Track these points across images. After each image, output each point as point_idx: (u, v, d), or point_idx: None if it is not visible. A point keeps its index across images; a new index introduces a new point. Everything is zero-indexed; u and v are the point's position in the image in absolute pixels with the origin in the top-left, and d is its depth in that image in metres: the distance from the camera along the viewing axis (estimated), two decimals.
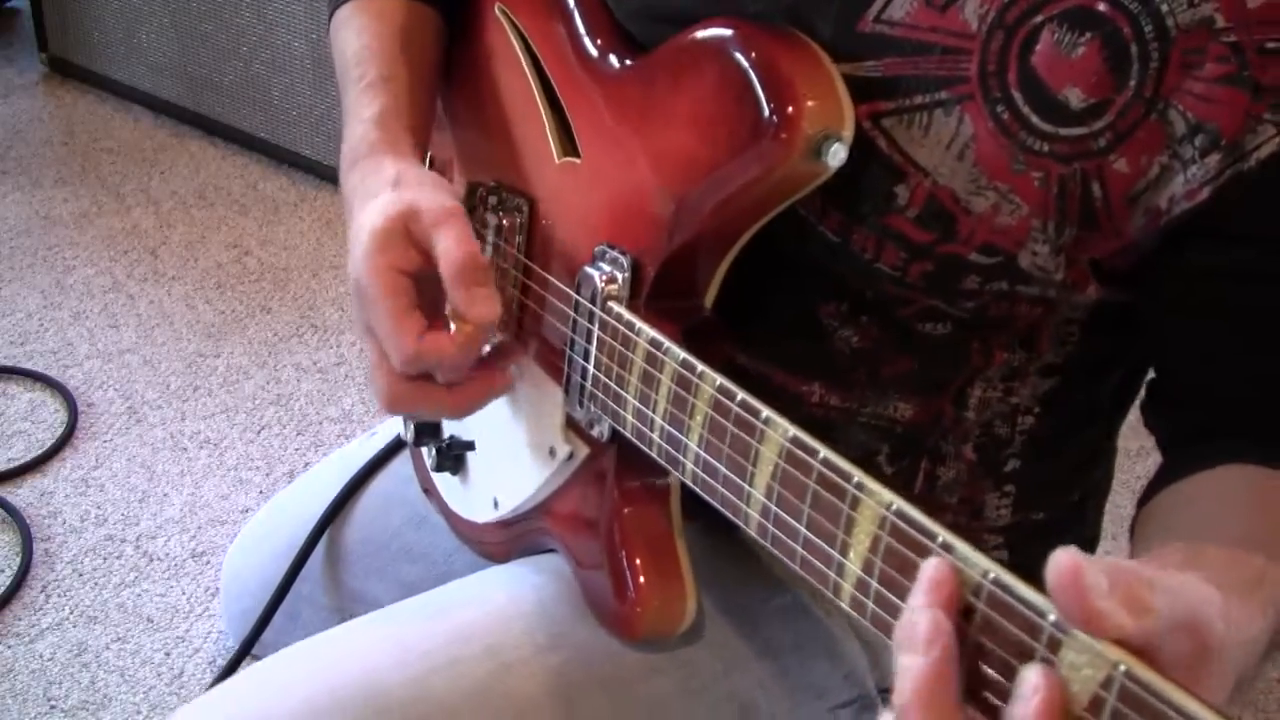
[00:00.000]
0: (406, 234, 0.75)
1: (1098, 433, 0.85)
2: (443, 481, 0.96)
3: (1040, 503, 0.83)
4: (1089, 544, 0.90)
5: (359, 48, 0.88)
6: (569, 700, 0.79)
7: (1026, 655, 0.46)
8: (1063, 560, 0.44)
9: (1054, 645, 0.46)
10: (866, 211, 0.71)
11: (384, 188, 0.78)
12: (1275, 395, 0.68)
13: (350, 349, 2.30)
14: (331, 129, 2.65)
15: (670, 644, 0.80)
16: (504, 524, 0.90)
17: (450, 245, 0.73)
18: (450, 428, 0.94)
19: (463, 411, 0.81)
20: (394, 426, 1.06)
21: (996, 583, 0.48)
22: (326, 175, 2.69)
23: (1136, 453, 2.43)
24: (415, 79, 0.87)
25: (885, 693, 0.85)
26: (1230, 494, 0.66)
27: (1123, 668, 0.43)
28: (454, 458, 0.92)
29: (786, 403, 0.61)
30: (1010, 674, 0.47)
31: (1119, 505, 2.16)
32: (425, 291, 0.76)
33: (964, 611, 0.49)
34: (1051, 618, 0.46)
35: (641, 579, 0.76)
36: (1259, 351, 0.68)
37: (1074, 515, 0.86)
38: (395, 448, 1.05)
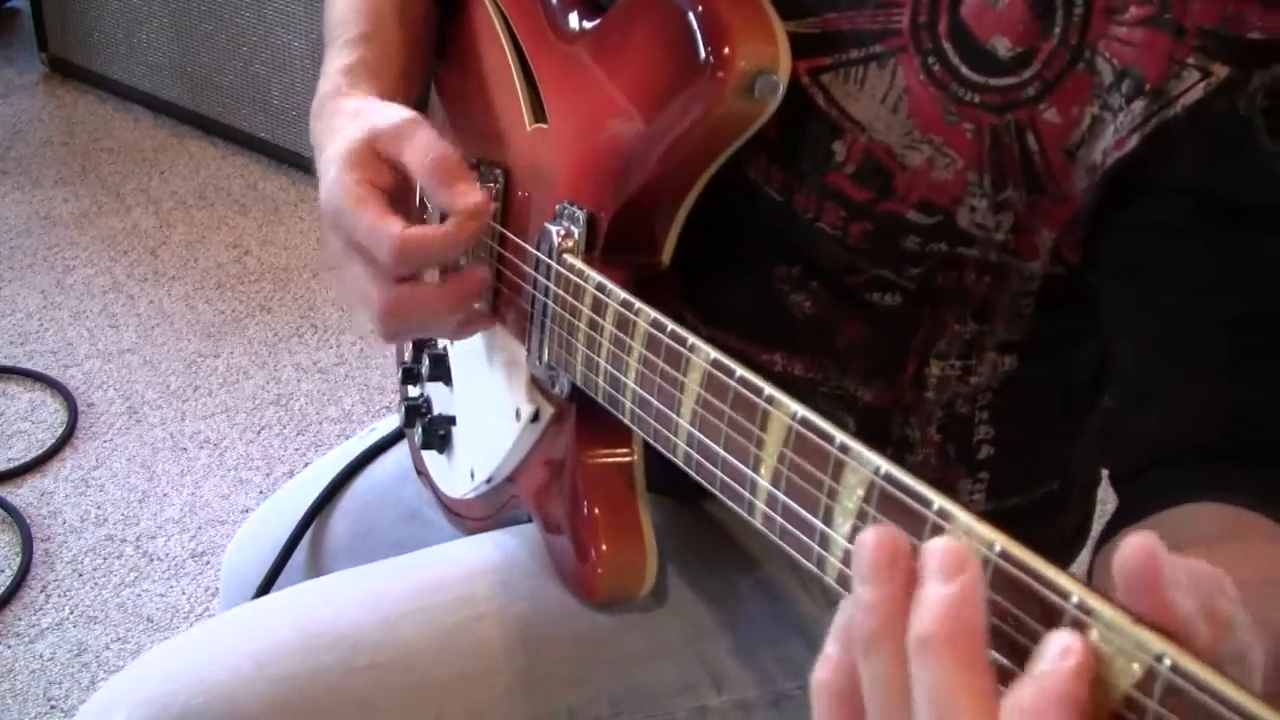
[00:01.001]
0: (374, 153, 0.77)
1: (1075, 421, 0.85)
2: (431, 459, 0.98)
3: (1015, 490, 0.83)
4: (1073, 535, 0.90)
5: (344, 10, 0.89)
6: (535, 651, 0.80)
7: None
8: (1137, 544, 0.39)
9: (936, 534, 0.46)
10: (807, 169, 0.72)
11: (347, 121, 0.79)
12: (1219, 396, 0.66)
13: (350, 349, 2.30)
14: None
15: (636, 607, 0.81)
16: (483, 497, 0.91)
17: (417, 151, 0.75)
18: (436, 405, 0.96)
19: (455, 308, 0.81)
20: (392, 424, 1.07)
21: (887, 477, 0.49)
22: None
23: None
24: (400, 39, 0.88)
25: None
26: (1205, 531, 0.64)
27: (997, 547, 0.43)
28: (439, 434, 0.95)
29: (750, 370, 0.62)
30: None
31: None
32: (400, 207, 0.77)
33: (859, 514, 0.50)
34: (935, 506, 0.46)
35: (601, 537, 0.77)
36: (1204, 332, 0.66)
37: (1054, 503, 0.86)
38: (391, 440, 1.06)
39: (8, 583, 1.79)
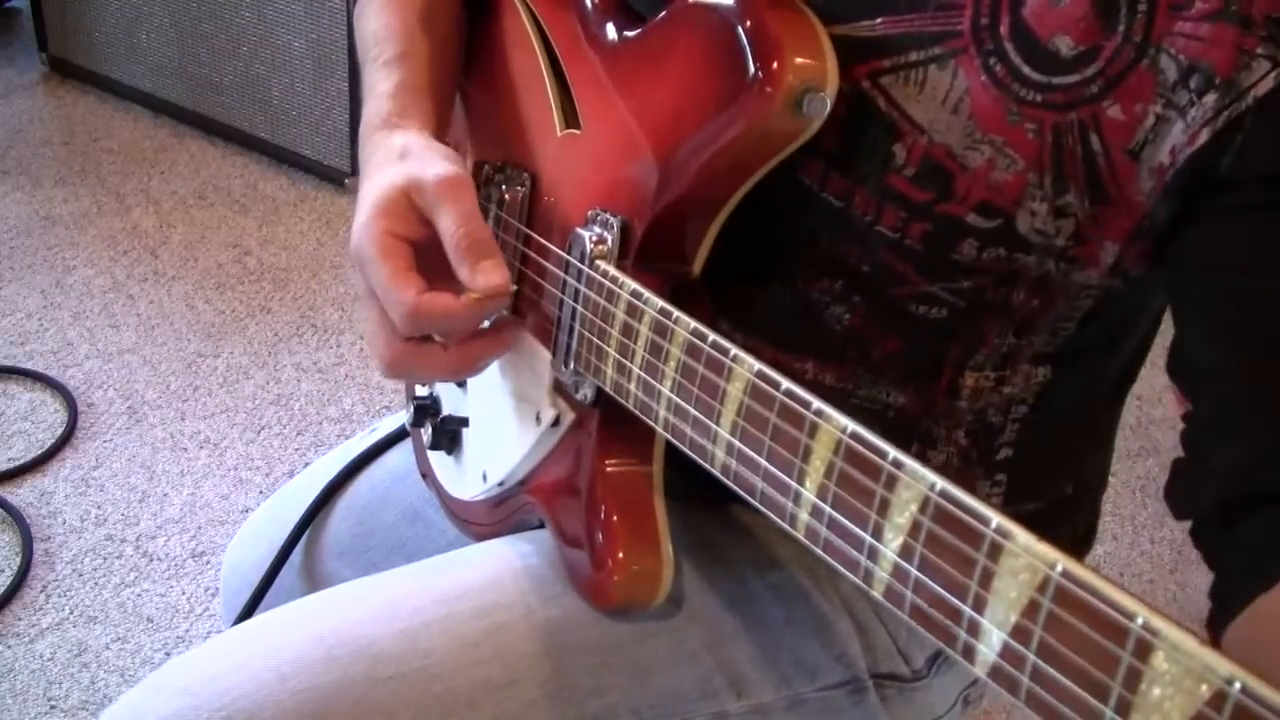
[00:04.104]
0: (410, 204, 0.76)
1: (1091, 425, 0.86)
2: (438, 460, 0.98)
3: (1031, 494, 0.83)
4: (1082, 539, 0.90)
5: (379, 27, 0.90)
6: (558, 659, 0.79)
7: (969, 563, 0.47)
8: None
9: (994, 552, 0.46)
10: (867, 173, 0.72)
11: (391, 160, 0.79)
12: None
13: (350, 349, 2.30)
14: (331, 129, 2.65)
15: (650, 615, 0.80)
16: (492, 503, 0.91)
17: (450, 223, 0.74)
18: (447, 405, 0.95)
19: (460, 373, 0.82)
20: (394, 423, 1.06)
21: (943, 494, 0.49)
22: (326, 175, 2.69)
23: (1136, 453, 2.43)
24: (433, 56, 0.89)
25: (878, 677, 0.85)
26: None
27: (1060, 567, 0.43)
28: (449, 435, 0.94)
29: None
30: (960, 591, 0.47)
31: (1119, 506, 2.17)
32: (427, 260, 0.77)
33: (912, 529, 0.50)
34: (994, 524, 0.46)
35: (618, 545, 0.77)
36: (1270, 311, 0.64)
37: (1066, 508, 0.87)
38: (393, 439, 1.06)
39: (8, 583, 1.79)
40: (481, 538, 0.92)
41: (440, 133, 0.85)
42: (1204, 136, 0.64)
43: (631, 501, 0.78)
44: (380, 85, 0.85)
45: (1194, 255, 0.67)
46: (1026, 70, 0.67)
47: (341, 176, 2.66)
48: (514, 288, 0.76)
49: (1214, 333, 0.66)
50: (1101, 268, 0.71)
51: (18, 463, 1.99)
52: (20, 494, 1.94)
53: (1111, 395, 0.84)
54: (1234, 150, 0.64)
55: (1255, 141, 0.64)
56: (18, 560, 1.83)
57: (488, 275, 0.74)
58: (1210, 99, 0.64)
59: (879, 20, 0.70)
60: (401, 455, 1.05)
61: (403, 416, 1.02)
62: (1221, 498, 0.63)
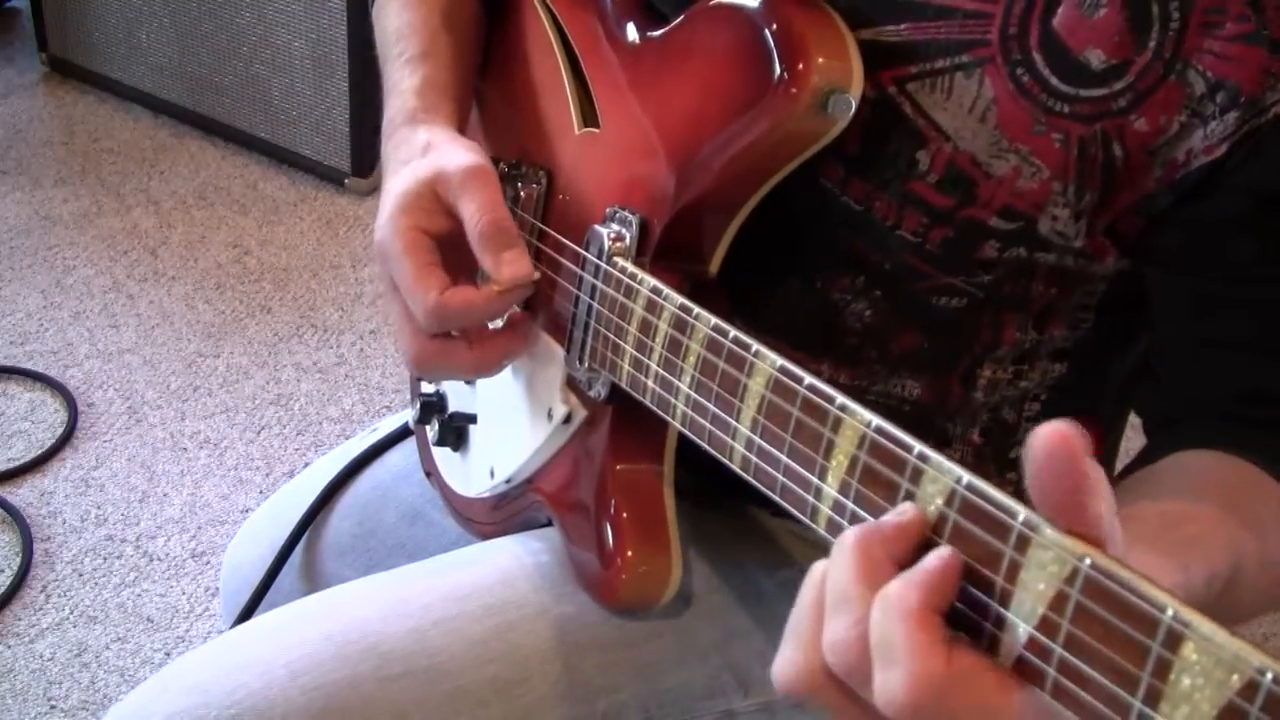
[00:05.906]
0: (434, 197, 0.77)
1: (1101, 424, 0.86)
2: (443, 458, 0.97)
3: None
4: None
5: (400, 25, 0.90)
6: (567, 657, 0.79)
7: (996, 556, 0.47)
8: (1056, 430, 0.44)
9: (1022, 544, 0.46)
10: (890, 178, 0.73)
11: (415, 154, 0.80)
12: (1245, 369, 0.69)
13: (350, 349, 2.30)
14: (331, 129, 2.65)
15: (658, 613, 0.80)
16: (498, 501, 0.91)
17: (473, 211, 0.75)
18: (453, 402, 0.95)
19: (485, 370, 0.82)
20: (394, 423, 1.06)
21: (969, 487, 0.49)
22: (326, 175, 2.69)
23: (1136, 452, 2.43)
24: (455, 54, 0.89)
25: None
26: (1185, 473, 0.67)
27: (1088, 560, 0.44)
28: (455, 432, 0.94)
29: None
30: (985, 585, 0.48)
31: None
32: (454, 253, 0.77)
33: (938, 523, 0.50)
34: (1021, 517, 0.46)
35: (628, 543, 0.77)
36: (1239, 314, 0.69)
37: None
38: (393, 439, 1.06)
39: (8, 583, 1.79)
40: (486, 536, 0.92)
41: (462, 130, 0.85)
42: (1221, 150, 0.65)
43: (642, 500, 0.78)
44: (404, 83, 0.86)
45: (1169, 252, 0.70)
46: (1055, 81, 0.67)
47: (341, 176, 2.66)
48: (537, 275, 0.76)
49: (1171, 316, 0.72)
50: (1110, 253, 0.72)
51: (18, 463, 1.99)
52: (20, 494, 1.94)
53: (1118, 397, 0.85)
54: (1242, 157, 0.65)
55: (1265, 153, 0.65)
56: (18, 560, 1.83)
57: (511, 266, 0.75)
58: (1233, 116, 0.64)
59: (905, 26, 0.70)
60: (402, 455, 1.05)
61: (403, 416, 1.02)
62: (1164, 414, 0.74)
